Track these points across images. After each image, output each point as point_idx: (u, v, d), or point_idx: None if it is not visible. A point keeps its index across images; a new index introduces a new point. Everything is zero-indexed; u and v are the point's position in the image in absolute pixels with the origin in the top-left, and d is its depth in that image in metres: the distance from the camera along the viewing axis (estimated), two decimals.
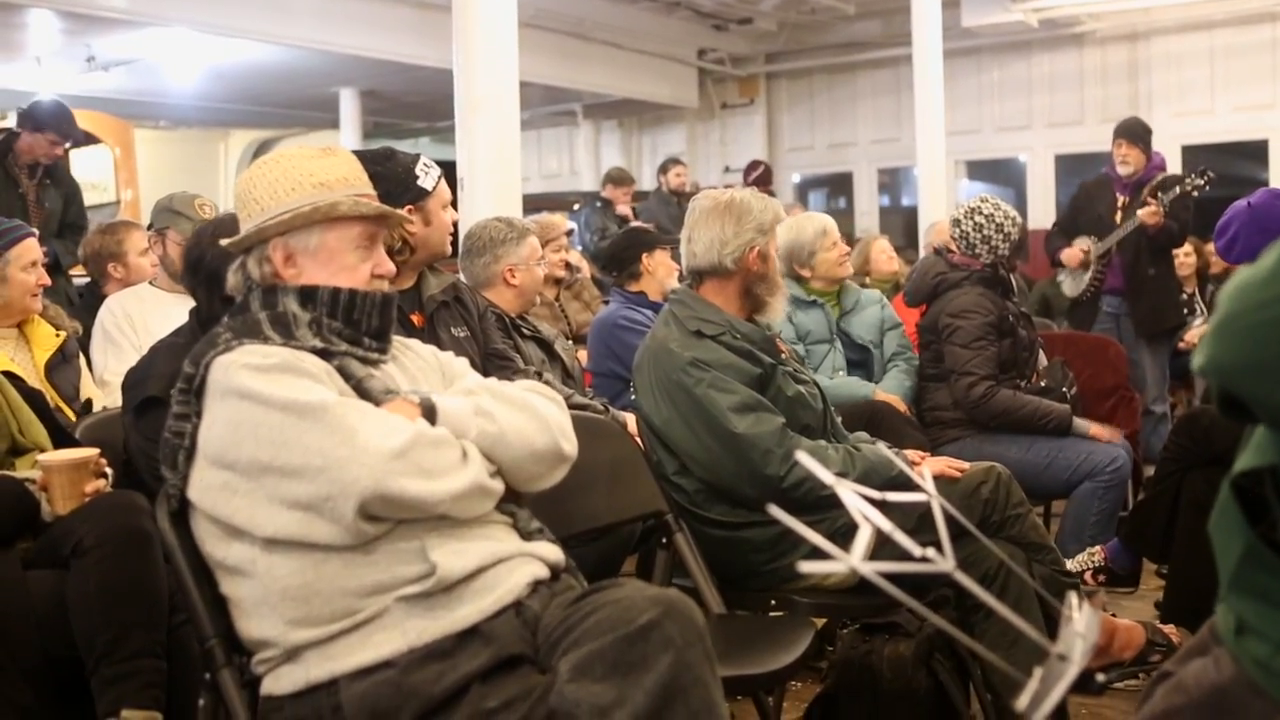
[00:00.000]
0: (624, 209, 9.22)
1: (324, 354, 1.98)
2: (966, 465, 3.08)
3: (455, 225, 3.20)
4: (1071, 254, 6.40)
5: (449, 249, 3.17)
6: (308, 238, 2.02)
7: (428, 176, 3.06)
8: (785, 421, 2.89)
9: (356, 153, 3.16)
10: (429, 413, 1.94)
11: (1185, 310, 6.92)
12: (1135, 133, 6.33)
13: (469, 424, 1.96)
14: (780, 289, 3.06)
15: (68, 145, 5.85)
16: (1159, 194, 6.06)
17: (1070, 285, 6.52)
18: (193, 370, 1.94)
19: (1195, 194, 6.16)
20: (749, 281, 3.01)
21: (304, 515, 1.83)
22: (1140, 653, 3.45)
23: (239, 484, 1.87)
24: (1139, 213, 6.07)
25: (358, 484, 1.78)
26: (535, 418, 2.04)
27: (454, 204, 3.21)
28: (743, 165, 12.81)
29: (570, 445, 2.08)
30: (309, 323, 2.00)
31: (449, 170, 3.23)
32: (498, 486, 1.97)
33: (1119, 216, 6.29)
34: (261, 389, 1.85)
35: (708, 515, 2.92)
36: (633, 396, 3.11)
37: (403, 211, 2.24)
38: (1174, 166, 10.39)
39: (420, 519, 1.87)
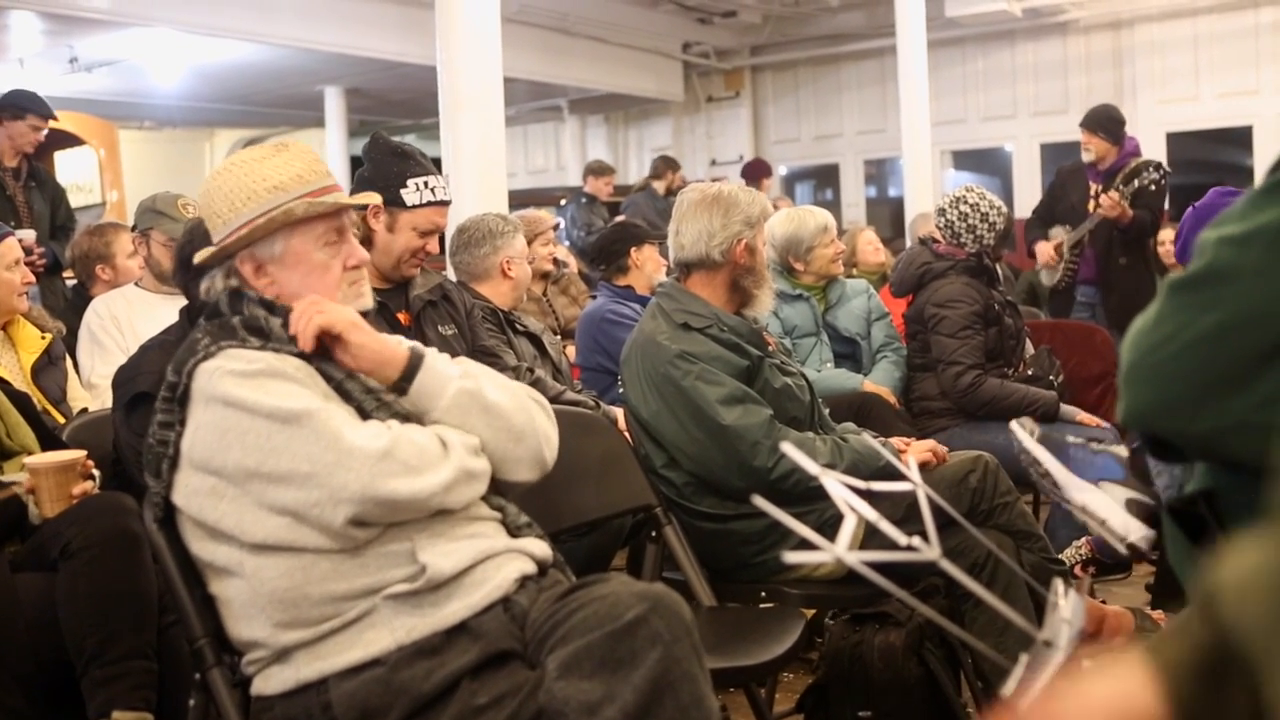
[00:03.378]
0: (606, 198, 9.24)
1: (300, 354, 1.97)
2: (945, 450, 3.10)
3: (421, 253, 3.08)
4: (1043, 249, 6.43)
5: (402, 272, 3.06)
6: (271, 246, 2.01)
7: (417, 194, 3.00)
8: (773, 413, 2.89)
9: (380, 141, 3.11)
10: (416, 358, 1.95)
11: None
12: (1098, 122, 6.33)
13: (449, 380, 1.96)
14: (767, 282, 3.07)
15: (46, 129, 5.80)
16: (1121, 187, 6.09)
17: (1047, 275, 6.57)
18: (176, 378, 1.93)
19: (1153, 187, 6.18)
20: (736, 274, 3.01)
21: (292, 521, 1.83)
22: (1130, 638, 3.46)
23: (226, 489, 1.87)
24: (1100, 202, 6.08)
25: (346, 489, 1.78)
26: (516, 399, 2.03)
27: None
28: (729, 158, 12.82)
29: (551, 452, 2.07)
30: (281, 324, 1.99)
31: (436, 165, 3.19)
32: (483, 466, 1.96)
33: (1092, 205, 6.32)
34: (246, 396, 1.84)
35: (696, 508, 2.92)
36: (620, 390, 3.11)
37: (369, 201, 2.18)
38: (1159, 153, 10.42)
39: (410, 520, 1.87)
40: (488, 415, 1.98)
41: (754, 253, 3.02)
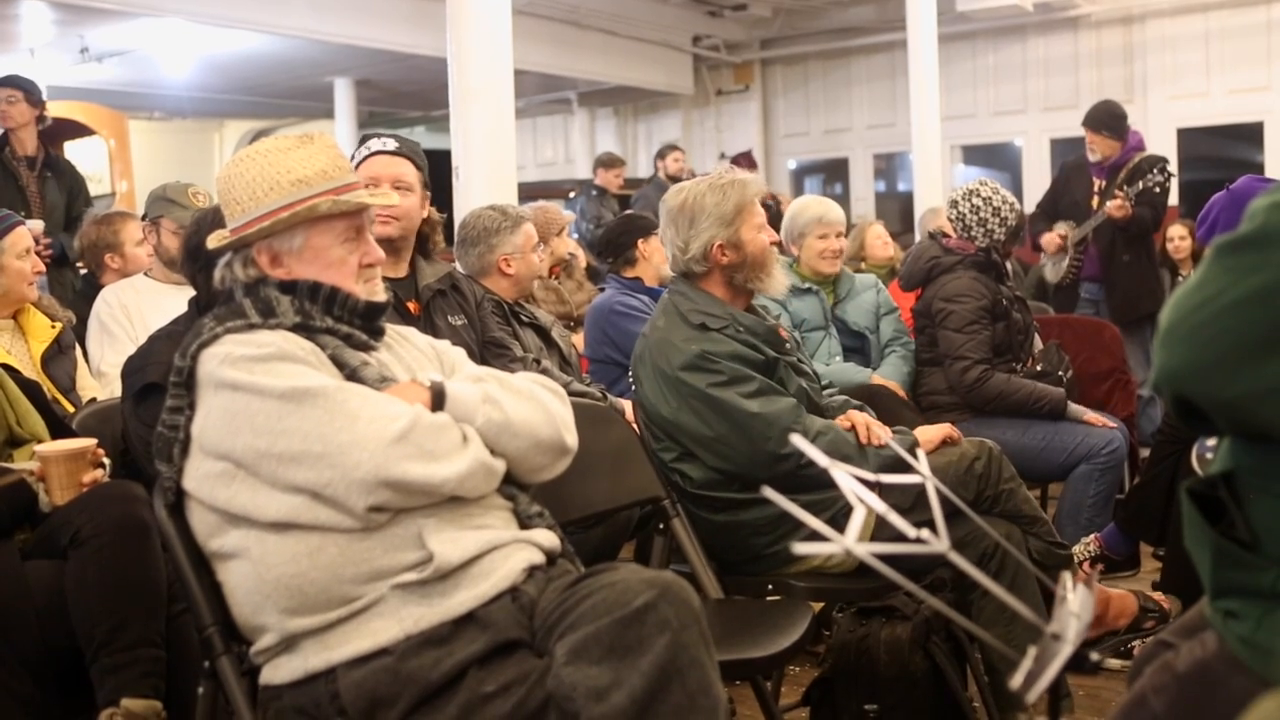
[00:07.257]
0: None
1: (305, 330, 1.99)
2: (958, 433, 3.13)
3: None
4: (1049, 239, 6.47)
5: (375, 231, 3.06)
6: (291, 239, 2.02)
7: (359, 151, 3.05)
8: (796, 401, 2.89)
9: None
10: (438, 396, 1.94)
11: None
12: (1101, 120, 6.34)
13: (476, 410, 1.96)
14: (767, 264, 2.99)
15: (20, 101, 5.71)
16: (1125, 186, 6.09)
17: (1051, 271, 6.59)
18: (182, 362, 1.94)
19: (1157, 189, 6.17)
20: (727, 273, 2.98)
21: (308, 499, 1.83)
22: (1134, 620, 3.49)
23: (237, 471, 1.87)
24: (1107, 205, 6.10)
25: (359, 469, 1.79)
26: (540, 409, 2.04)
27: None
28: (738, 151, 12.80)
29: (572, 438, 2.09)
30: (290, 301, 2.01)
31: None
32: (500, 465, 1.98)
33: (1095, 201, 6.32)
34: (258, 381, 1.85)
35: (712, 495, 2.90)
36: (633, 388, 3.09)
37: (389, 201, 2.21)
38: (1169, 149, 10.41)
39: (419, 505, 1.87)
40: (516, 437, 1.99)
41: (739, 247, 2.95)
